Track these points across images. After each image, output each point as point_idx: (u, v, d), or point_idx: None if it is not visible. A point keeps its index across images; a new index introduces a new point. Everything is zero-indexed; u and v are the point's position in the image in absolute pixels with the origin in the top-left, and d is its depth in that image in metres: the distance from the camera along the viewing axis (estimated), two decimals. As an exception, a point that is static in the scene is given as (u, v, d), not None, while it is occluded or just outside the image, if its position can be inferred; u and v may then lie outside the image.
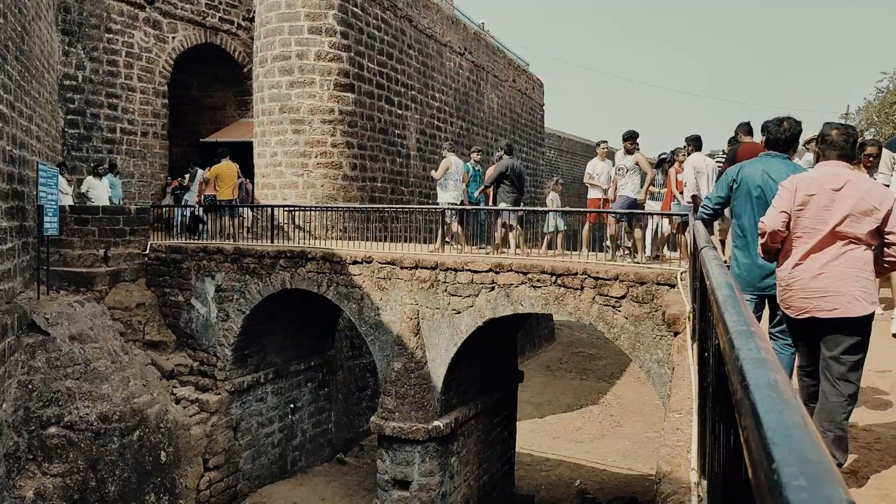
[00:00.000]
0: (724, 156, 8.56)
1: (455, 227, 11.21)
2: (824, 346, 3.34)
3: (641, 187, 9.87)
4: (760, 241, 3.55)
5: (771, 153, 4.17)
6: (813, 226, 3.31)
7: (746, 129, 7.84)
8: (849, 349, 3.28)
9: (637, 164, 9.83)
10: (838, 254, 3.26)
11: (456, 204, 11.24)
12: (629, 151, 9.87)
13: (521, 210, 11.19)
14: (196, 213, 13.54)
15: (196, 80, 18.63)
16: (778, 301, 3.55)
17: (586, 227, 10.52)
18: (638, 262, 9.40)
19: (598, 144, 11.11)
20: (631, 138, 9.84)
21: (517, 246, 10.72)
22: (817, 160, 3.59)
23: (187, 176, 15.54)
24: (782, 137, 4.12)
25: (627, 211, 9.71)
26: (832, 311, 3.25)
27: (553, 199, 12.80)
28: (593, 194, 10.92)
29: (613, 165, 10.52)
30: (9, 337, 8.42)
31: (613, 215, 10.04)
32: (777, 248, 3.49)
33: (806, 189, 3.34)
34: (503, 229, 10.75)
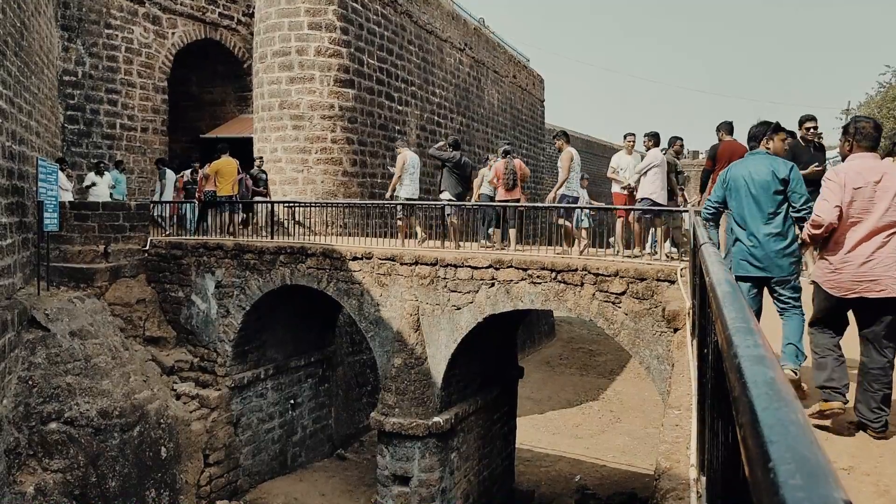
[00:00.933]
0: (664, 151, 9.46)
1: (414, 222, 11.45)
2: (875, 323, 3.77)
3: (572, 184, 10.39)
4: (816, 232, 3.87)
5: (753, 151, 4.75)
6: (860, 216, 3.72)
7: (728, 128, 8.19)
8: (892, 322, 3.75)
9: (561, 160, 10.30)
10: (884, 242, 3.69)
11: (414, 199, 11.48)
12: (560, 150, 10.31)
13: (522, 206, 11.17)
14: (161, 213, 13.58)
15: (196, 75, 18.59)
16: (822, 281, 3.92)
17: (619, 224, 10.07)
18: (637, 258, 9.40)
19: (624, 137, 10.56)
20: (557, 136, 10.37)
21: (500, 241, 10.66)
22: (850, 150, 3.92)
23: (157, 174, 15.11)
24: (751, 136, 4.79)
25: (636, 208, 9.70)
26: (881, 291, 3.67)
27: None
28: (617, 189, 10.39)
29: (642, 159, 10.49)
30: (9, 333, 8.42)
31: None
32: (825, 237, 3.90)
33: (853, 182, 3.71)
34: (451, 219, 11.00)
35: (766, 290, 4.59)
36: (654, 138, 9.65)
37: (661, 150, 9.85)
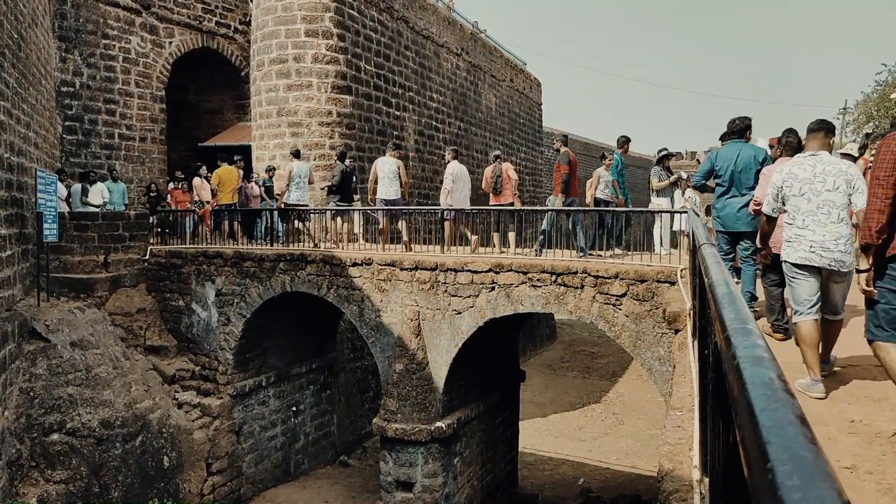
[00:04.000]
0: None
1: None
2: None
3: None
4: (756, 207, 5.24)
5: (735, 140, 6.29)
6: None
7: (565, 140, 10.35)
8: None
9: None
10: None
11: (302, 203, 12.49)
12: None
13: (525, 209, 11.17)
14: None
15: (193, 84, 18.63)
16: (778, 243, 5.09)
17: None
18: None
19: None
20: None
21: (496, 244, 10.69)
22: (780, 156, 5.46)
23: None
24: (737, 129, 6.30)
25: (640, 210, 9.70)
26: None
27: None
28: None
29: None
30: (9, 344, 8.42)
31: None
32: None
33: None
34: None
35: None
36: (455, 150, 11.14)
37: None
